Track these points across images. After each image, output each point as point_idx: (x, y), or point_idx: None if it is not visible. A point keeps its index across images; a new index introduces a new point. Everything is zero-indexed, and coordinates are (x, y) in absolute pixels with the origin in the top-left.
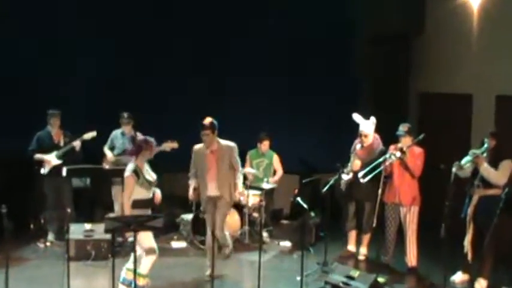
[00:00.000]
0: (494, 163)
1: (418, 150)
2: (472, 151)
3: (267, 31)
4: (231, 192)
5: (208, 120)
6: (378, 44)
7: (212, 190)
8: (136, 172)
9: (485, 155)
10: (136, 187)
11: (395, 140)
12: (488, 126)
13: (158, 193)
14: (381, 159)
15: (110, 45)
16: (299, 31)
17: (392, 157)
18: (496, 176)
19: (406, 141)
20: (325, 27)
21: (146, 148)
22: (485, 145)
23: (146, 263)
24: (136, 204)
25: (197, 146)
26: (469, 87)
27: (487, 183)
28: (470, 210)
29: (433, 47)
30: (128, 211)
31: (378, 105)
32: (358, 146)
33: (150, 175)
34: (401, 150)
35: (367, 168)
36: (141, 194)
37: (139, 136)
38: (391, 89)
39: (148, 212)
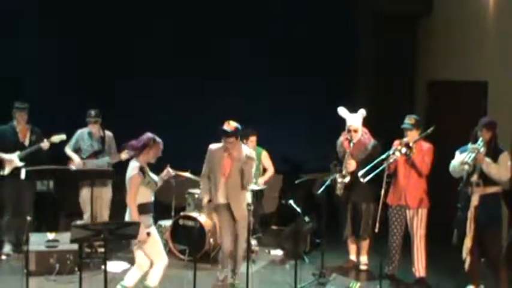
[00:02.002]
0: (491, 157)
1: (426, 145)
2: (470, 146)
3: (248, 28)
4: (241, 203)
5: (232, 126)
6: (380, 25)
7: (221, 198)
8: (143, 170)
9: (482, 149)
10: (141, 188)
11: (400, 134)
12: (506, 117)
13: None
14: (383, 156)
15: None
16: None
17: (397, 153)
18: (503, 172)
19: (412, 136)
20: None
21: (151, 147)
22: (481, 138)
23: (156, 273)
24: (141, 209)
25: (214, 146)
26: (484, 74)
27: (488, 180)
28: (470, 212)
29: (442, 29)
30: (136, 216)
31: (380, 95)
32: (351, 144)
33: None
34: (407, 145)
35: (368, 167)
36: (146, 196)
37: (147, 134)
38: (395, 76)
39: (151, 218)
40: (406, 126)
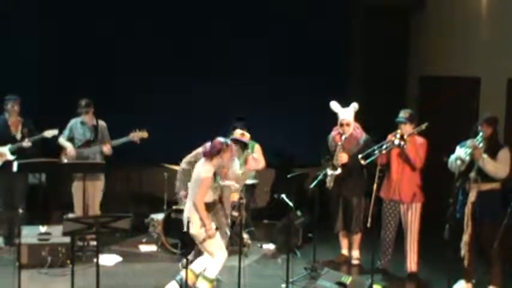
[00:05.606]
0: (491, 153)
1: (420, 140)
2: (469, 141)
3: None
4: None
5: (246, 137)
6: (372, 20)
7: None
8: (214, 174)
9: (481, 145)
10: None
11: (392, 129)
12: (498, 114)
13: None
14: (379, 145)
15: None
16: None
17: (390, 144)
18: (500, 168)
19: (406, 130)
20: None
21: (225, 151)
22: (481, 133)
23: (216, 266)
24: (206, 207)
25: None
26: (476, 70)
27: (485, 177)
28: (468, 209)
29: (435, 24)
30: (205, 215)
31: (371, 90)
32: (343, 137)
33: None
34: (401, 137)
35: (368, 150)
36: (209, 196)
37: (219, 139)
38: (387, 71)
39: (209, 215)
40: (400, 119)
